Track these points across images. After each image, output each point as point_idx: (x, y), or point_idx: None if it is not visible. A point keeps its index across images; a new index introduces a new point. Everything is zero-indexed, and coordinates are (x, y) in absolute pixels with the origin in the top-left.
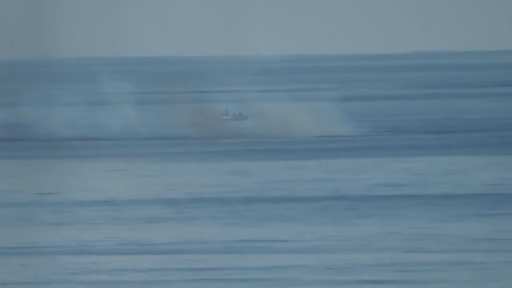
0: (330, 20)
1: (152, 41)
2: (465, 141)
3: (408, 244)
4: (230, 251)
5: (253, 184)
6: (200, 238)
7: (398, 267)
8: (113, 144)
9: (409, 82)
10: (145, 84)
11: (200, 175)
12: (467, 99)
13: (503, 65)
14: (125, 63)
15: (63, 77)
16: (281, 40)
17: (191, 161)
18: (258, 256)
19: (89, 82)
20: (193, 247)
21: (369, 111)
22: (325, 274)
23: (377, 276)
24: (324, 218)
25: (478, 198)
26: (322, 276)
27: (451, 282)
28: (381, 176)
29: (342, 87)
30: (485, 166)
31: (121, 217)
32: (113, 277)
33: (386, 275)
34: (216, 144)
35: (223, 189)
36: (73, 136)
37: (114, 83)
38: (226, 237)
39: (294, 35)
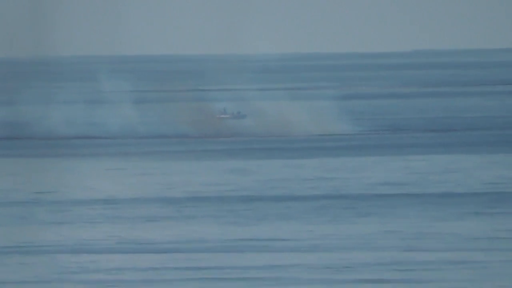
0: (330, 19)
1: (151, 40)
2: (465, 139)
3: (408, 243)
4: (230, 250)
5: (252, 183)
6: (199, 237)
7: (397, 266)
8: (112, 142)
9: (408, 80)
10: (144, 83)
11: (199, 174)
12: (467, 97)
13: (503, 63)
14: (124, 61)
15: (62, 75)
16: (280, 39)
17: (190, 159)
18: (257, 255)
19: (88, 81)
20: (192, 246)
21: (369, 109)
22: (324, 273)
23: (376, 275)
24: (323, 217)
25: (478, 197)
26: (321, 275)
27: (451, 281)
28: (380, 174)
29: (341, 85)
30: (484, 164)
31: (120, 215)
32: (112, 276)
33: (385, 274)
34: (215, 143)
35: (222, 188)
36: (72, 134)
37: (113, 82)
38: (225, 236)
39: (293, 33)
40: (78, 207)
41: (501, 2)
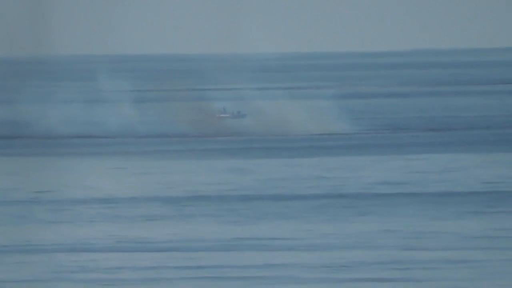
0: (329, 18)
1: (150, 39)
2: (465, 138)
3: (407, 242)
4: (229, 249)
5: (252, 182)
6: (198, 235)
7: (396, 265)
8: (112, 141)
9: (408, 79)
10: (144, 82)
11: (199, 173)
12: (467, 96)
13: (503, 62)
14: (123, 60)
15: (62, 74)
16: (280, 38)
17: (189, 159)
18: (256, 254)
19: (87, 80)
20: (192, 245)
21: (368, 108)
22: (323, 272)
23: (375, 274)
24: (322, 216)
25: (477, 196)
26: (320, 274)
27: (450, 280)
28: (380, 174)
29: (341, 84)
30: (484, 163)
31: (119, 215)
32: (111, 275)
33: (385, 273)
34: (215, 142)
35: (222, 187)
36: (72, 133)
37: (113, 81)
38: (225, 235)
39: (293, 32)
40: (78, 206)
41: (501, 1)
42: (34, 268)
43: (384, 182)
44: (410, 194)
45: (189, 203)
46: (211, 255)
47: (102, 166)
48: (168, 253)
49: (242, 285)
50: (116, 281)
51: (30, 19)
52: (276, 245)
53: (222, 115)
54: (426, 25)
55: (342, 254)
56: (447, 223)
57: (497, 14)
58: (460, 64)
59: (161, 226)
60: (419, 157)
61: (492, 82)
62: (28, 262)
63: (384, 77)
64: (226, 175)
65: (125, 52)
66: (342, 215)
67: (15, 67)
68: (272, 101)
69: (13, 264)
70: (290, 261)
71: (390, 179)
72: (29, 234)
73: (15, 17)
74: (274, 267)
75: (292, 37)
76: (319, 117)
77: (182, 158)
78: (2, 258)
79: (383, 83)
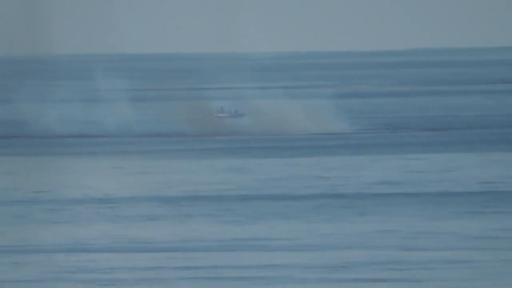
0: (328, 17)
1: (149, 38)
2: (464, 138)
3: (406, 242)
4: (227, 249)
5: (250, 182)
6: (197, 235)
7: (394, 265)
8: (110, 141)
9: (407, 79)
10: (142, 81)
11: (197, 172)
12: (466, 96)
13: (503, 61)
14: (122, 59)
15: (60, 73)
16: (278, 37)
17: (188, 158)
18: (255, 254)
19: (85, 79)
20: (190, 245)
21: (367, 108)
22: (321, 272)
23: (373, 274)
24: (321, 216)
25: (476, 196)
26: (319, 274)
27: (448, 280)
28: (378, 173)
29: (340, 84)
30: (484, 163)
31: (117, 214)
32: (109, 275)
33: (383, 273)
34: (213, 141)
35: (220, 187)
36: (70, 133)
37: (111, 80)
38: (223, 235)
39: (291, 32)
40: (75, 206)
41: (500, 0)
42: (32, 268)
43: (383, 182)
44: (409, 194)
45: (187, 203)
46: (209, 255)
47: (101, 166)
48: (167, 253)
49: (241, 285)
50: (114, 281)
51: (28, 19)
52: (275, 245)
53: (221, 114)
54: (425, 24)
55: (341, 254)
56: (446, 223)
57: (497, 14)
58: (460, 63)
59: (159, 226)
60: (418, 156)
61: (492, 81)
62: (27, 263)
63: (383, 77)
64: (224, 175)
65: (123, 51)
66: (341, 215)
67: (14, 66)
68: (270, 100)
69: (11, 264)
70: (289, 261)
71: (389, 178)
72: (28, 234)
73: (14, 16)
74: (273, 267)
75: (290, 36)
76: (318, 116)
77: (181, 158)
78: (0, 258)
79: (382, 82)
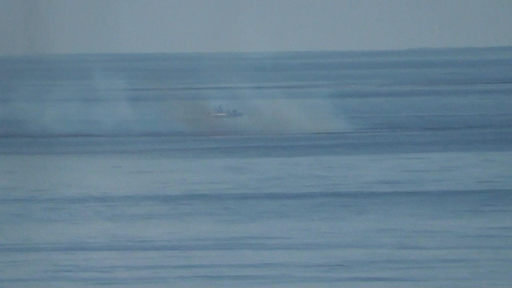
0: (326, 17)
1: (146, 38)
2: (461, 137)
3: (402, 241)
4: (225, 248)
5: (248, 181)
6: (195, 234)
7: (392, 264)
8: (108, 140)
9: (405, 78)
10: (140, 81)
11: (195, 172)
12: (463, 95)
13: (500, 61)
14: (119, 59)
15: (58, 73)
16: (276, 37)
17: (186, 157)
18: (252, 253)
19: (83, 79)
20: (188, 244)
21: (365, 107)
22: (319, 271)
23: (371, 273)
24: (319, 215)
25: (474, 195)
26: (316, 273)
27: (445, 279)
28: (376, 173)
29: (337, 83)
30: (480, 162)
31: (116, 213)
32: (107, 274)
33: (380, 272)
34: (211, 141)
35: (218, 186)
36: (68, 132)
37: (109, 80)
38: (221, 234)
39: (289, 31)
40: (74, 204)
41: (498, 0)
42: (30, 267)
43: (381, 181)
44: (407, 193)
45: (185, 202)
46: (207, 254)
47: (99, 165)
48: (165, 252)
49: (240, 283)
50: (113, 280)
51: (26, 18)
52: (273, 243)
53: (219, 114)
54: (424, 24)
55: (339, 252)
56: (444, 222)
57: (494, 14)
58: (457, 63)
59: (158, 224)
60: (416, 156)
61: (489, 81)
62: (25, 261)
63: (382, 76)
64: (223, 174)
65: (122, 51)
66: (339, 214)
67: (11, 66)
68: (268, 100)
69: (9, 262)
70: (287, 260)
71: (387, 178)
72: (26, 232)
73: (11, 16)
74: (270, 266)
75: (288, 36)
76: (315, 116)
77: (179, 157)
78: None
79: (380, 82)
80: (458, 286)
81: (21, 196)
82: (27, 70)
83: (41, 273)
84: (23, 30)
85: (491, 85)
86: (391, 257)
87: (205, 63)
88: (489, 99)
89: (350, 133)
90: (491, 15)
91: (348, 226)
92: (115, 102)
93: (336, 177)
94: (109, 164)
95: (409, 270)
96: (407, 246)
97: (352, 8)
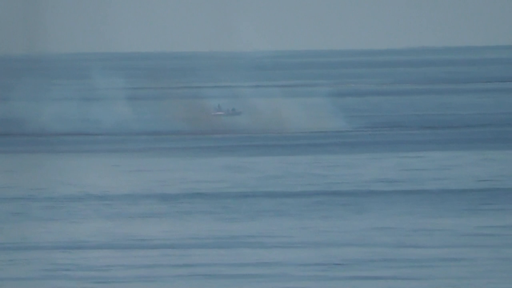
0: (324, 16)
1: (145, 36)
2: (460, 136)
3: (402, 240)
4: (224, 246)
5: (247, 179)
6: (193, 233)
7: (390, 262)
8: (106, 139)
9: (403, 77)
10: (138, 80)
11: (194, 170)
12: (462, 94)
13: (499, 60)
14: (118, 58)
15: (57, 72)
16: (275, 36)
17: (185, 156)
18: (252, 252)
19: (82, 78)
20: (187, 242)
21: (364, 106)
22: (318, 269)
23: (370, 272)
24: (318, 214)
25: (473, 194)
26: (315, 272)
27: (444, 278)
28: (375, 171)
29: (336, 82)
30: (480, 161)
31: (115, 212)
32: (106, 273)
33: (379, 271)
34: (210, 140)
35: (217, 185)
36: (67, 131)
37: (107, 79)
38: (220, 233)
39: (287, 30)
40: (73, 203)
41: None
42: (29, 265)
43: (380, 179)
44: (406, 192)
45: (184, 201)
46: (206, 253)
47: (98, 163)
48: (164, 250)
49: (238, 282)
50: (112, 279)
51: (24, 17)
52: (272, 242)
53: (218, 112)
54: (423, 23)
55: (338, 251)
56: (443, 220)
57: (493, 12)
58: (456, 62)
59: (157, 223)
60: (415, 154)
61: (489, 80)
62: (24, 260)
63: (381, 75)
64: (221, 173)
65: (120, 50)
66: (338, 212)
67: (10, 65)
68: (267, 98)
69: (8, 261)
70: (285, 259)
71: (386, 176)
72: (25, 231)
73: (10, 14)
74: (269, 265)
75: (287, 34)
76: (314, 114)
77: (178, 156)
78: None
79: (379, 81)
80: (457, 285)
81: (20, 194)
82: (26, 69)
83: (39, 272)
84: (22, 29)
85: (490, 84)
86: (390, 256)
87: (204, 62)
88: (489, 98)
89: (349, 132)
90: (490, 14)
91: (347, 224)
92: (114, 101)
93: (335, 176)
94: (108, 163)
95: (408, 269)
96: (406, 245)
97: (351, 7)
